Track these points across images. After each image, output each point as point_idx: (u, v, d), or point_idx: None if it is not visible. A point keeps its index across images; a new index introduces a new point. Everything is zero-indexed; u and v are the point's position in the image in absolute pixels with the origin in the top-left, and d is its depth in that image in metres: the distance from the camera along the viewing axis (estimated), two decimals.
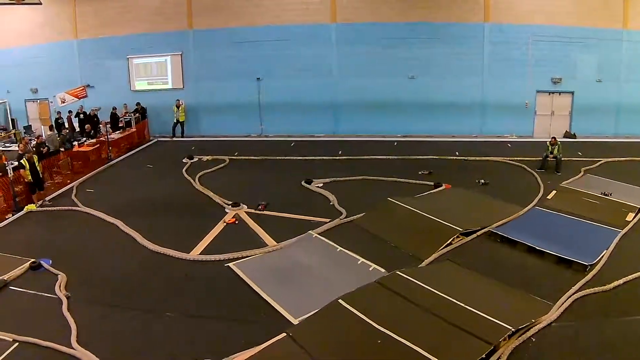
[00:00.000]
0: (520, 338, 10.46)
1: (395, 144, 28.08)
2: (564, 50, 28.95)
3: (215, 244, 15.76)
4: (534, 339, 10.57)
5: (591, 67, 29.38)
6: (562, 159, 22.93)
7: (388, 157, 25.16)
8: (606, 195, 19.13)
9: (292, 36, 30.02)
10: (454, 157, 25.01)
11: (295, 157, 25.61)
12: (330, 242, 15.37)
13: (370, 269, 13.65)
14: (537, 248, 14.67)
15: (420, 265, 13.94)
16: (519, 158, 24.40)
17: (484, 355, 9.72)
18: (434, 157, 24.93)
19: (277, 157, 25.73)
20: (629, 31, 29.01)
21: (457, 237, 15.48)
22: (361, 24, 29.34)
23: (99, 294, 13.07)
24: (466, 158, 24.80)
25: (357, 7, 29.18)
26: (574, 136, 29.27)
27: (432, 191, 20.10)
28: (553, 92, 29.54)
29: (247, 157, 26.00)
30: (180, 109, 31.36)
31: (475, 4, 28.58)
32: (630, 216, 17.43)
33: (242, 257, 14.60)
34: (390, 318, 11.07)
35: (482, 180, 21.04)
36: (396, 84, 29.68)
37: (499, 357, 9.88)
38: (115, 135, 28.50)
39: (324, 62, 30.20)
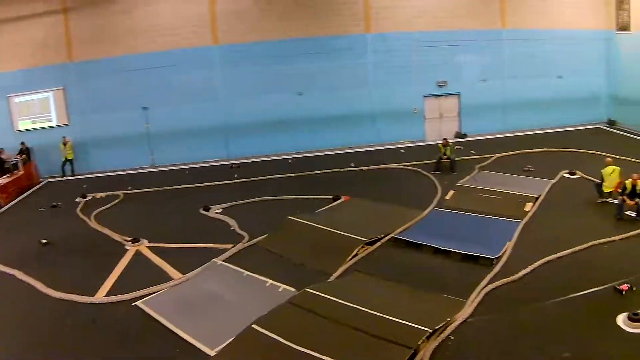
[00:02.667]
0: (438, 338, 10.69)
1: (290, 161, 28.07)
2: (448, 53, 30.22)
3: (120, 284, 15.13)
4: (452, 337, 10.85)
5: (475, 68, 30.92)
6: (456, 159, 23.75)
7: (284, 175, 25.10)
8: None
9: (176, 61, 29.37)
10: (350, 169, 25.28)
11: (191, 185, 25.07)
12: (236, 268, 15.19)
13: (280, 289, 13.57)
14: (442, 248, 15.13)
15: (329, 280, 13.98)
16: (413, 162, 25.08)
17: None
18: (330, 170, 25.09)
19: (173, 187, 25.08)
20: (508, 30, 30.91)
21: (362, 247, 15.64)
22: (244, 44, 29.17)
23: (4, 353, 12.30)
24: (362, 168, 25.14)
25: (238, 27, 29.00)
26: (465, 136, 30.43)
27: (331, 205, 20.18)
28: (440, 96, 30.64)
29: (142, 190, 25.26)
30: (67, 146, 29.89)
31: (355, 15, 29.14)
32: (528, 206, 18.38)
33: (149, 294, 14.14)
34: (307, 337, 11.05)
35: None
36: (285, 102, 29.67)
37: None
38: (3, 180, 27.07)
39: (211, 85, 29.76)
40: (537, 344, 10.75)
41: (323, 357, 10.17)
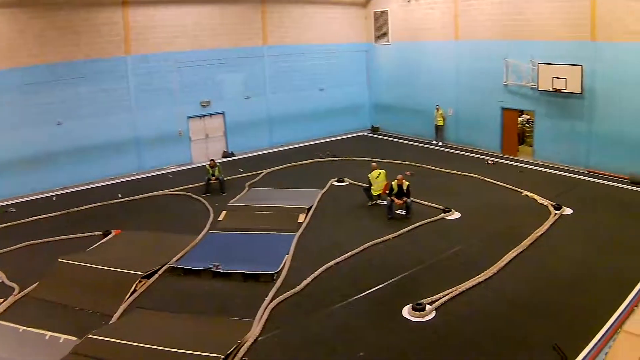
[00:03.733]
0: None
1: (54, 199, 26.23)
2: (209, 72, 30.71)
3: None
4: (246, 359, 11.10)
5: (238, 85, 31.95)
6: (225, 178, 24.21)
7: (50, 214, 23.34)
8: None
9: None
10: (118, 200, 24.36)
11: None
12: (10, 324, 13.93)
13: (61, 340, 12.78)
14: (222, 271, 15.39)
15: (111, 322, 13.53)
16: (183, 187, 25.06)
17: None
18: (97, 204, 23.92)
19: None
20: (269, 47, 32.57)
21: (140, 281, 15.33)
22: None
23: None
24: (130, 198, 24.40)
25: None
26: (233, 155, 30.99)
27: (102, 241, 19.38)
28: (204, 116, 30.92)
29: None
30: None
31: (116, 36, 28.21)
32: (301, 217, 19.43)
33: None
34: None
35: None
36: (44, 134, 27.03)
37: None
38: None
39: None
40: (331, 349, 11.47)
41: None
